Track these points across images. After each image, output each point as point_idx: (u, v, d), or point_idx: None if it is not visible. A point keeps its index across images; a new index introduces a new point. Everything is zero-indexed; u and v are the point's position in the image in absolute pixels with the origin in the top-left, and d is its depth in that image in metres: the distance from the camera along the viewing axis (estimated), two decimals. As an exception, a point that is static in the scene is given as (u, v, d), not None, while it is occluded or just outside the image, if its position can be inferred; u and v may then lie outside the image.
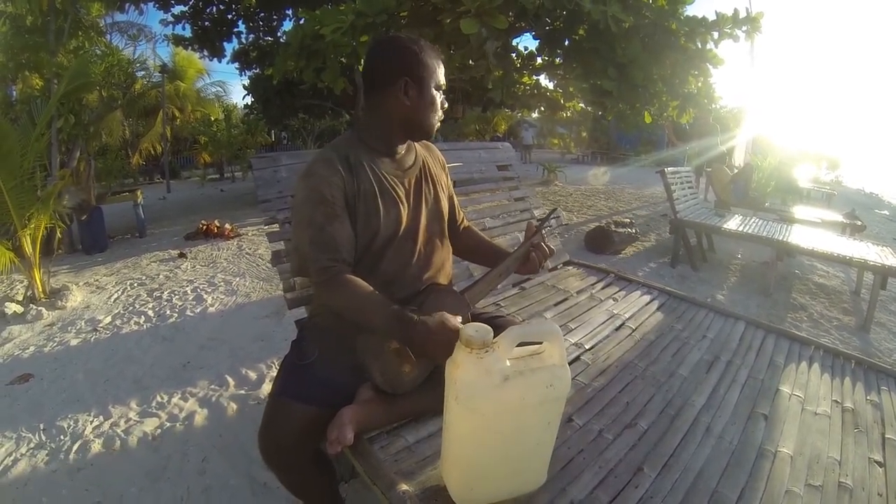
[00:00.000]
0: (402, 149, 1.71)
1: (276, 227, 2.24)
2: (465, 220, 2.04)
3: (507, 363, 1.10)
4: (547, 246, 1.74)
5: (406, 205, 1.66)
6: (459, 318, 1.36)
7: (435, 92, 1.61)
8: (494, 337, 1.13)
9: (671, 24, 6.16)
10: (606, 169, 14.89)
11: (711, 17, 6.26)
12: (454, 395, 1.12)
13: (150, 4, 11.26)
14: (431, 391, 1.51)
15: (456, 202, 1.95)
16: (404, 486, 1.30)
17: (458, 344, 1.13)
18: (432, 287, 1.68)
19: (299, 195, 1.53)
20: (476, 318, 1.69)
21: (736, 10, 6.18)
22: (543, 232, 1.77)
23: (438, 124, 1.67)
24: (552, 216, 1.95)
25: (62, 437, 2.76)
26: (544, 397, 1.14)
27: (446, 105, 1.69)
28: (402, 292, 1.64)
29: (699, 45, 6.38)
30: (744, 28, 6.24)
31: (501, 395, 1.09)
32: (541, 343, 1.16)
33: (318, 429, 1.48)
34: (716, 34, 6.29)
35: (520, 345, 1.14)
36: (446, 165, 1.97)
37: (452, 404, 1.15)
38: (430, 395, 1.52)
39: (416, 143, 1.77)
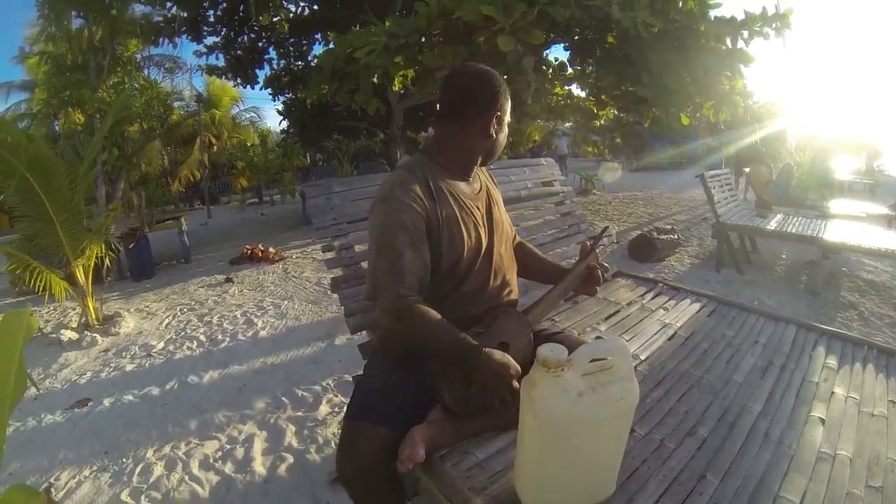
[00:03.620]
0: (473, 173, 1.78)
1: (332, 255, 2.32)
2: (516, 237, 2.09)
3: (581, 380, 1.14)
4: (602, 266, 1.80)
5: (484, 228, 1.72)
6: (517, 365, 1.46)
7: (506, 126, 1.70)
8: None
9: (700, 27, 6.16)
10: (619, 165, 14.68)
11: (740, 16, 6.24)
12: (532, 413, 1.17)
13: (184, 37, 11.56)
14: (497, 410, 1.57)
15: (509, 219, 2.00)
16: (479, 501, 1.34)
17: (535, 364, 1.18)
18: (499, 310, 1.73)
19: (378, 219, 1.56)
20: (535, 335, 1.75)
21: (765, 9, 6.15)
22: (597, 251, 1.83)
23: None
24: (604, 235, 1.99)
25: (124, 459, 2.86)
26: (616, 411, 1.18)
27: None
28: (480, 310, 1.70)
29: (730, 46, 6.36)
30: (773, 25, 6.21)
31: (577, 411, 1.13)
32: (608, 358, 1.19)
33: (394, 450, 1.51)
34: (745, 33, 6.27)
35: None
36: (497, 184, 2.03)
37: (530, 422, 1.19)
38: (496, 414, 1.59)
39: None
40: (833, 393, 1.88)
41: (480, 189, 1.81)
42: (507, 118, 1.70)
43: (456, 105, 1.66)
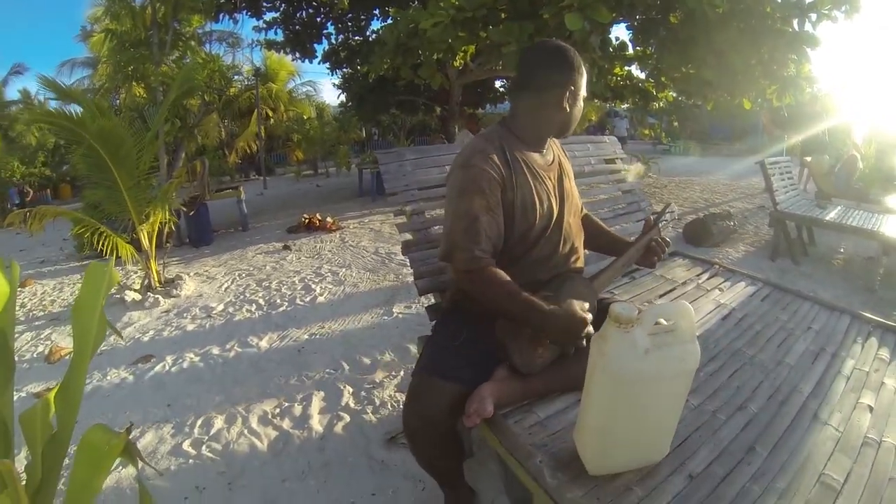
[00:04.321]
0: (546, 145, 1.84)
1: (403, 219, 2.40)
2: (583, 209, 2.16)
3: (648, 338, 1.20)
4: (664, 240, 1.86)
5: (556, 197, 1.79)
6: (587, 306, 1.52)
7: (581, 101, 1.74)
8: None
9: (766, 8, 6.00)
10: (642, 166, 14.35)
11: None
12: (602, 366, 1.23)
13: (244, 13, 11.73)
14: (560, 372, 1.65)
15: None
16: (540, 457, 1.42)
17: (608, 320, 1.24)
18: (567, 275, 1.79)
19: (457, 184, 1.65)
20: (598, 303, 1.81)
21: (834, -9, 5.97)
22: (660, 226, 1.89)
23: None
24: (667, 211, 2.05)
25: (186, 412, 2.99)
26: (677, 370, 1.24)
27: None
28: (547, 275, 1.77)
29: (796, 28, 6.20)
30: (843, 8, 5.99)
31: (643, 367, 1.19)
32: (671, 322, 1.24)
33: (460, 406, 1.59)
34: (813, 16, 6.09)
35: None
36: (569, 157, 2.10)
37: (598, 375, 1.26)
38: (559, 376, 1.67)
39: None
40: (883, 383, 1.87)
41: (553, 160, 1.87)
42: (583, 94, 1.74)
43: (532, 79, 1.72)
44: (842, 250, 6.13)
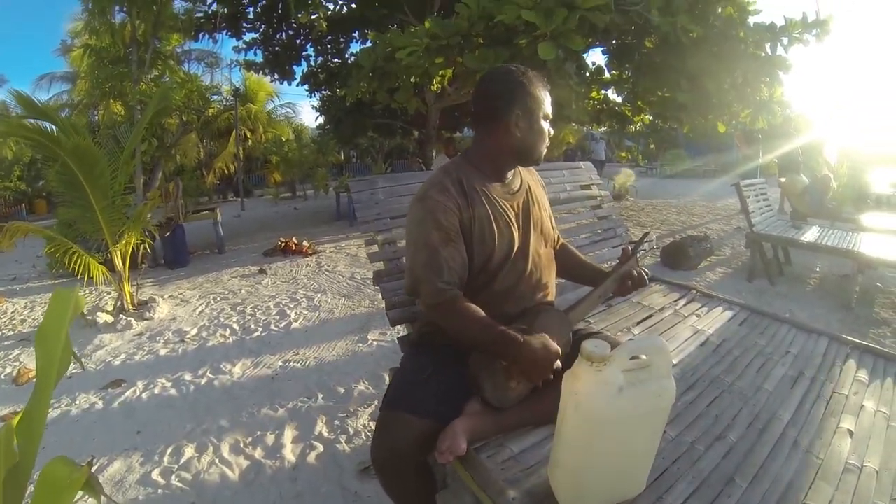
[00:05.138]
0: (510, 174, 1.81)
1: (375, 248, 2.36)
2: (560, 238, 2.13)
3: (622, 375, 1.17)
4: (642, 270, 1.83)
5: (517, 227, 1.76)
6: (558, 347, 1.51)
7: (543, 122, 1.70)
8: None
9: (739, 33, 6.11)
10: (632, 172, 14.49)
11: (780, 22, 6.18)
12: (574, 405, 1.20)
13: (224, 33, 11.75)
14: (534, 405, 1.61)
15: (553, 221, 2.02)
16: (513, 493, 1.37)
17: (579, 358, 1.21)
18: (541, 307, 1.77)
19: (415, 218, 1.63)
20: (573, 335, 1.77)
21: (804, 15, 6.08)
22: (637, 256, 1.87)
23: (545, 151, 1.76)
24: (645, 240, 2.03)
25: (156, 440, 2.92)
26: (653, 407, 1.21)
27: (552, 132, 1.77)
28: (515, 308, 1.75)
29: (769, 52, 6.30)
30: (813, 32, 6.13)
31: (617, 405, 1.16)
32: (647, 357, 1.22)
33: (429, 440, 1.55)
34: (785, 40, 6.21)
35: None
36: (544, 185, 2.07)
37: (571, 414, 1.23)
38: (533, 409, 1.62)
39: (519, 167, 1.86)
40: (863, 406, 1.86)
41: (519, 189, 1.84)
42: (543, 114, 1.70)
43: (480, 108, 1.72)
44: (817, 269, 6.20)
